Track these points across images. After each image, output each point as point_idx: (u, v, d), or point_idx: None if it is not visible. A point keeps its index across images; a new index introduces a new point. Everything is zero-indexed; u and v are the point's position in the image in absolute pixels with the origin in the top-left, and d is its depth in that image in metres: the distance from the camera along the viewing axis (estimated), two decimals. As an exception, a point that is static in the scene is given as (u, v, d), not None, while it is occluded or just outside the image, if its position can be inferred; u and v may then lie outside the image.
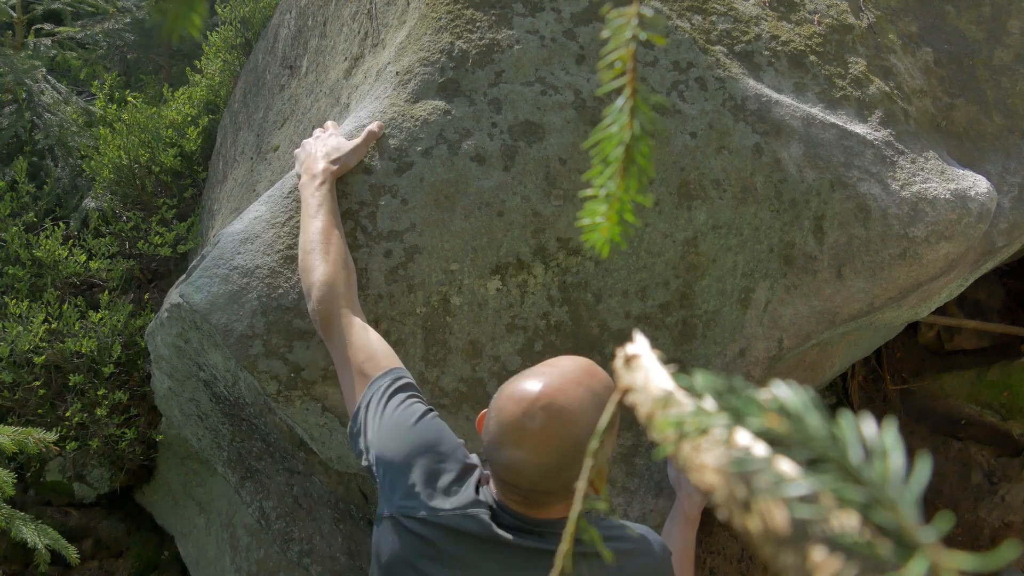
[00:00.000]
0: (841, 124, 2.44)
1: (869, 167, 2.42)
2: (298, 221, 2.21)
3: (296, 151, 2.30)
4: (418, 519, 1.68)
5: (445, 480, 1.73)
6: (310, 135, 2.32)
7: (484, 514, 1.67)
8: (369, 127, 2.23)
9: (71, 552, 2.43)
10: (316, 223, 2.08)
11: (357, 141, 2.21)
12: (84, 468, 3.47)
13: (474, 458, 1.80)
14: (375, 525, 1.76)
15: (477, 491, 1.72)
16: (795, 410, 0.52)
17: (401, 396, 1.85)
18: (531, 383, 1.64)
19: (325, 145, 2.22)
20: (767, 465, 0.49)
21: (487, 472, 1.76)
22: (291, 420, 2.24)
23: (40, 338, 3.22)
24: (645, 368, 0.70)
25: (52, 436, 2.45)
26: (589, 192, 0.76)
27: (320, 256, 2.04)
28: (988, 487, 3.46)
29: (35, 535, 2.33)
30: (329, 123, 2.30)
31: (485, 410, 1.74)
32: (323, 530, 2.79)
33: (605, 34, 0.73)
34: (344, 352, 1.95)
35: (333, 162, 2.17)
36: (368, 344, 1.95)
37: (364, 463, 1.83)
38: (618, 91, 0.74)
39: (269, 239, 2.20)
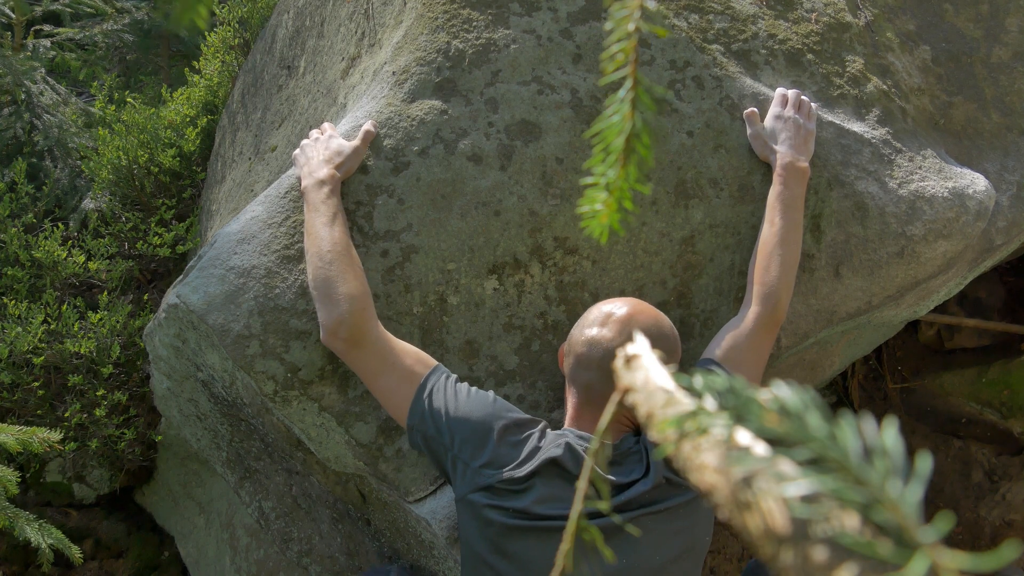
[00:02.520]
0: (838, 122, 2.44)
1: (867, 165, 2.42)
2: (295, 221, 2.20)
3: (295, 153, 2.28)
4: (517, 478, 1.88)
5: (532, 443, 1.94)
6: (308, 136, 2.31)
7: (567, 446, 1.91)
8: (364, 127, 2.22)
9: (75, 552, 2.43)
10: (333, 233, 2.06)
11: (356, 143, 2.20)
12: (84, 469, 3.46)
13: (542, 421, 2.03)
14: (464, 506, 1.94)
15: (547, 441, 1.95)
16: (795, 409, 0.52)
17: (464, 384, 2.03)
18: (615, 307, 2.02)
19: (327, 149, 2.20)
20: (767, 465, 0.49)
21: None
22: (288, 420, 2.24)
23: (39, 339, 3.22)
24: (645, 368, 0.69)
25: (57, 436, 2.44)
26: (590, 180, 0.77)
27: (346, 267, 2.04)
28: (989, 486, 3.46)
29: (39, 535, 2.32)
30: (326, 125, 2.28)
31: (563, 344, 2.12)
32: (322, 530, 2.79)
33: (607, 26, 0.73)
34: (386, 358, 2.02)
35: (338, 167, 2.16)
36: (409, 347, 2.07)
37: (430, 449, 2.00)
38: (619, 83, 0.74)
39: (266, 239, 2.20)
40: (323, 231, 2.07)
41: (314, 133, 2.29)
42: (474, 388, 2.01)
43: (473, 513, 1.90)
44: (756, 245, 2.29)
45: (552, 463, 1.88)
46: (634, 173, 0.75)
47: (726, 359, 2.13)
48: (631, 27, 0.72)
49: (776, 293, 2.20)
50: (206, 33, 4.08)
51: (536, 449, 1.90)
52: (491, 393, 2.02)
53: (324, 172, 2.15)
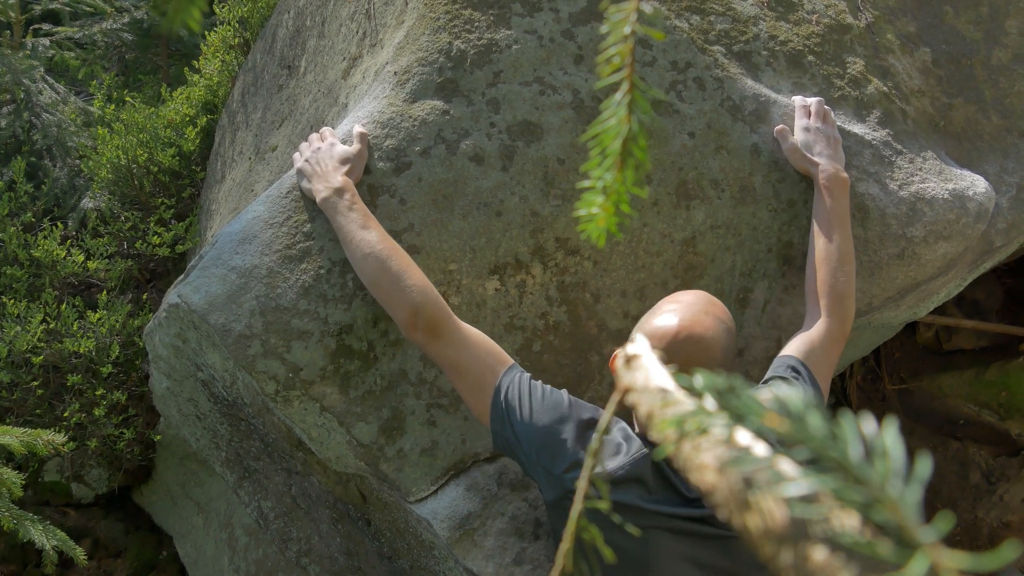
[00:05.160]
0: (839, 124, 2.44)
1: (867, 167, 2.42)
2: (296, 221, 2.20)
3: (295, 159, 2.26)
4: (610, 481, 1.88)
5: (615, 440, 1.94)
6: (307, 141, 2.30)
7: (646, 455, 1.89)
8: (356, 130, 2.20)
9: (79, 553, 2.43)
10: (373, 234, 2.05)
11: (357, 147, 2.18)
12: (82, 468, 3.46)
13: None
14: (559, 512, 1.94)
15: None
16: (795, 410, 0.52)
17: (538, 384, 1.99)
18: (667, 319, 1.90)
19: (332, 158, 2.17)
20: (767, 465, 0.49)
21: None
22: (289, 420, 2.24)
23: (38, 338, 3.22)
24: (645, 368, 0.70)
25: (61, 438, 2.44)
26: (587, 184, 0.77)
27: (404, 261, 2.04)
28: (986, 487, 3.46)
29: (42, 536, 2.32)
30: (326, 130, 2.26)
31: (617, 351, 1.88)
32: (321, 530, 2.79)
33: (604, 29, 0.73)
34: (465, 350, 2.02)
35: (348, 173, 2.15)
36: (485, 339, 2.06)
37: (512, 453, 2.00)
38: (616, 86, 0.74)
39: (267, 239, 2.20)
40: (364, 234, 2.06)
41: (314, 139, 2.26)
42: (548, 387, 1.98)
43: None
44: (811, 258, 2.29)
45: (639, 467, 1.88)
46: (631, 176, 0.76)
47: (808, 362, 2.15)
48: (627, 30, 0.72)
49: (848, 307, 2.24)
50: (206, 32, 4.08)
51: (618, 445, 1.91)
52: (564, 392, 1.99)
53: (339, 180, 2.13)
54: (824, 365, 2.19)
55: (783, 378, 2.08)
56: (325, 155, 2.19)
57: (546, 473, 1.91)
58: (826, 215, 2.28)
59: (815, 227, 2.30)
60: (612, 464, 1.86)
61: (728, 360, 1.93)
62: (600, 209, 0.78)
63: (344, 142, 2.21)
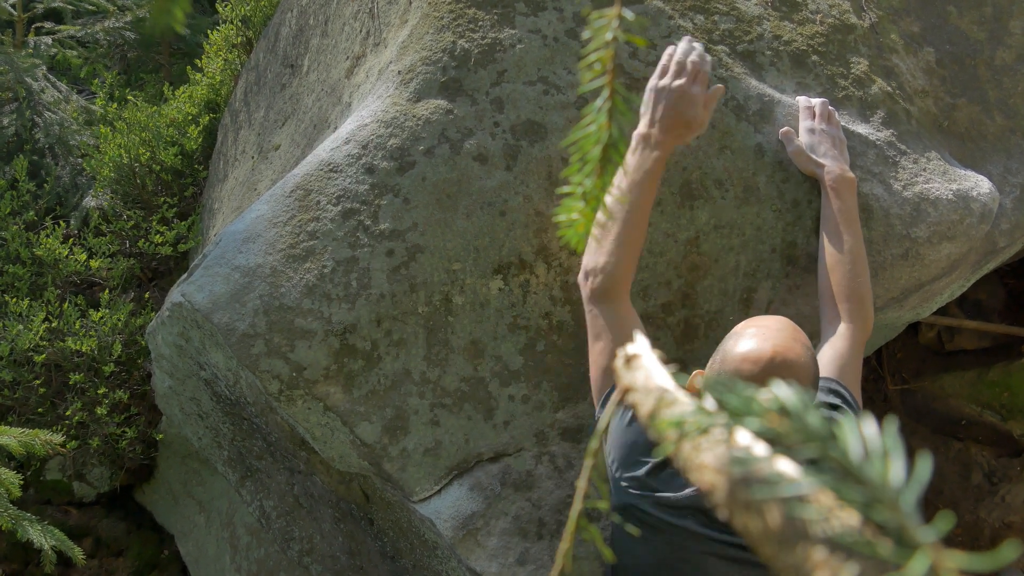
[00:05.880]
0: (843, 124, 2.44)
1: (871, 167, 2.42)
2: (300, 220, 2.20)
3: (648, 90, 2.18)
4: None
5: None
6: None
7: None
8: (717, 87, 2.18)
9: (77, 553, 2.43)
10: (639, 192, 2.09)
11: (707, 113, 2.16)
12: (84, 467, 3.47)
13: None
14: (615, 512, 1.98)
15: None
16: (795, 410, 0.52)
17: None
18: (761, 344, 1.87)
19: (679, 113, 2.12)
20: (767, 465, 0.49)
21: None
22: (292, 420, 2.24)
23: (40, 337, 3.22)
24: (646, 368, 0.70)
25: (59, 438, 2.45)
26: (567, 189, 0.77)
27: (631, 227, 2.09)
28: (988, 487, 3.46)
29: (41, 536, 2.33)
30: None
31: (697, 371, 2.01)
32: (324, 529, 2.79)
33: (586, 35, 0.73)
34: (615, 329, 2.08)
35: (671, 128, 2.11)
36: (636, 324, 2.10)
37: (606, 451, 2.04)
38: (597, 91, 0.74)
39: (271, 238, 2.20)
40: (634, 185, 2.10)
41: (683, 80, 2.16)
42: None
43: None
44: (824, 261, 2.29)
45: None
46: (611, 183, 0.76)
47: (843, 380, 2.17)
48: (609, 36, 0.72)
49: (868, 308, 2.25)
50: (208, 31, 4.09)
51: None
52: None
53: (668, 134, 2.11)
54: (856, 376, 2.21)
55: (831, 405, 2.10)
56: (680, 100, 2.14)
57: (611, 476, 1.96)
58: (835, 217, 2.28)
59: (825, 230, 2.30)
60: (677, 493, 1.88)
61: (813, 388, 1.93)
62: (579, 215, 0.78)
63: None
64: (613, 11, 0.72)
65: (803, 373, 1.85)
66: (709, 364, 1.96)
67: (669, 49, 2.21)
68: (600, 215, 2.04)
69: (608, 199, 2.11)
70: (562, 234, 0.79)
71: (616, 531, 2.00)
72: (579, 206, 0.77)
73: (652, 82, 2.19)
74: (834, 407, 2.09)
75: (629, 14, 0.72)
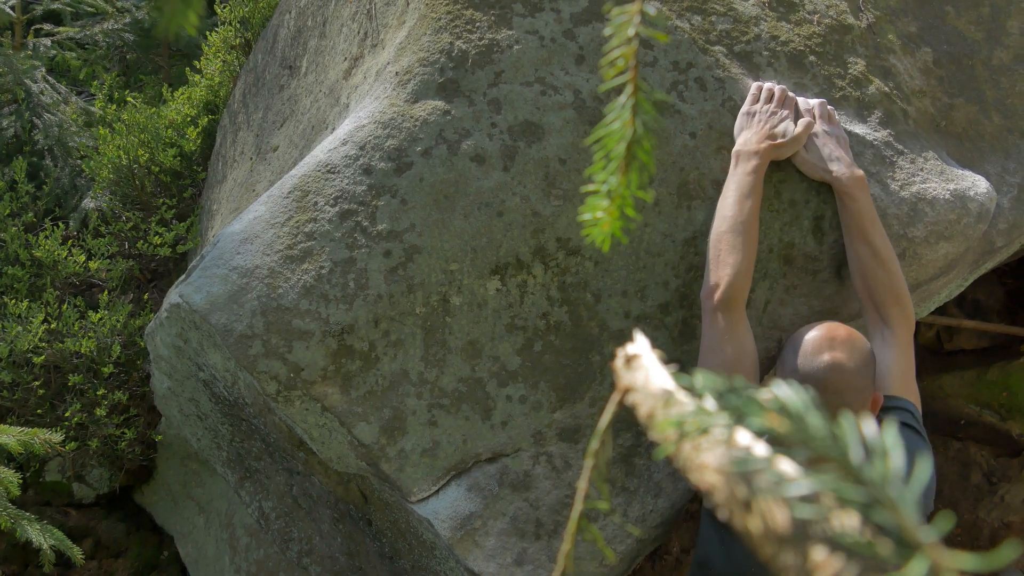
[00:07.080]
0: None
1: (868, 167, 2.42)
2: (297, 221, 2.20)
3: (743, 113, 2.35)
4: None
5: None
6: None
7: None
8: (804, 121, 2.31)
9: (76, 553, 2.43)
10: (745, 205, 2.20)
11: (798, 130, 2.28)
12: (83, 468, 3.46)
13: None
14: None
15: None
16: (795, 410, 0.52)
17: None
18: (830, 353, 2.02)
19: (771, 127, 2.28)
20: (767, 465, 0.49)
21: None
22: (290, 420, 2.24)
23: (40, 338, 3.22)
24: (645, 368, 0.70)
25: (58, 437, 2.44)
26: (591, 187, 0.77)
27: (744, 241, 2.19)
28: (987, 487, 3.46)
29: (40, 536, 2.33)
30: (790, 94, 2.37)
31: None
32: (322, 530, 2.79)
33: (607, 32, 0.73)
34: (729, 343, 2.16)
35: (774, 148, 2.26)
36: (751, 352, 2.18)
37: None
38: (619, 88, 0.74)
39: (269, 239, 2.20)
40: (737, 200, 2.21)
41: (772, 104, 2.34)
42: None
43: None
44: (857, 267, 2.30)
45: None
46: (636, 179, 0.75)
47: (905, 391, 2.23)
48: (631, 32, 0.72)
49: (908, 305, 2.28)
50: (207, 33, 4.08)
51: None
52: None
53: (763, 145, 2.25)
54: (913, 383, 2.27)
55: (909, 426, 2.18)
56: (769, 119, 2.30)
57: None
58: (857, 219, 2.29)
59: (850, 234, 2.31)
60: None
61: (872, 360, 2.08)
62: (604, 213, 0.77)
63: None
64: (635, 6, 0.71)
65: (860, 343, 2.03)
66: (786, 365, 2.09)
67: (756, 83, 2.39)
68: (713, 237, 2.03)
69: (723, 226, 2.17)
70: (586, 233, 0.79)
71: (704, 533, 2.12)
72: (604, 204, 0.77)
73: (744, 108, 2.35)
74: (907, 425, 2.17)
75: (651, 9, 0.71)
